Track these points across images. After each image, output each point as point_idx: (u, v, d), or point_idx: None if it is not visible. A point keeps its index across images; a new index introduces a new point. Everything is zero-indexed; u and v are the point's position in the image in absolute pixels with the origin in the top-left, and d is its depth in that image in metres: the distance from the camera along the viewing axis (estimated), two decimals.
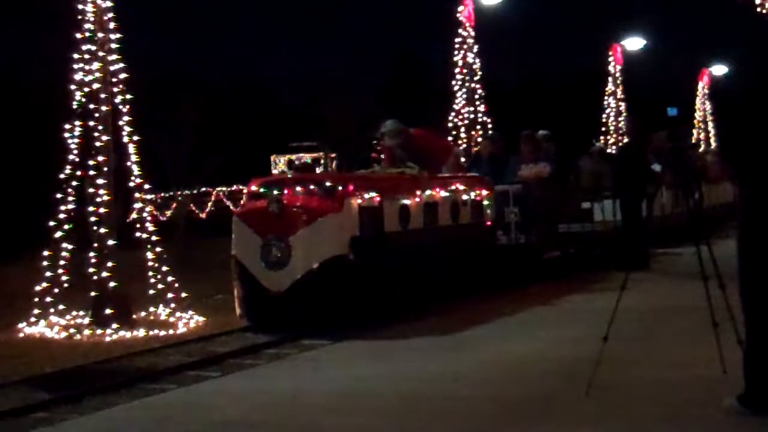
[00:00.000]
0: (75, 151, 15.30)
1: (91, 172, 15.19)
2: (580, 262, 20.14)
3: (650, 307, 12.78)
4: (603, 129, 39.93)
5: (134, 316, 15.21)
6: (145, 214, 15.63)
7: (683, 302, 12.25)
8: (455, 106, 30.29)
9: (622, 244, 18.43)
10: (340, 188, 13.66)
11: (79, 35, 15.32)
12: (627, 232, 18.41)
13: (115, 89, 15.39)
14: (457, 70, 30.20)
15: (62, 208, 15.30)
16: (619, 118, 39.98)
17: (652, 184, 20.00)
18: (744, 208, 7.30)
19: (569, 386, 8.50)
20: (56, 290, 15.25)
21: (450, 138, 29.44)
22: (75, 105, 15.33)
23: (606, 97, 40.56)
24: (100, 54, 15.31)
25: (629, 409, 7.80)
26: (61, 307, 15.26)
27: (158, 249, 15.61)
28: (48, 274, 15.26)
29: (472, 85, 30.35)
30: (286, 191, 13.69)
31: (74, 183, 15.31)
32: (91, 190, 15.18)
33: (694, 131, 49.70)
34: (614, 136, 39.74)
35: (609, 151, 32.72)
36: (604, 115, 40.39)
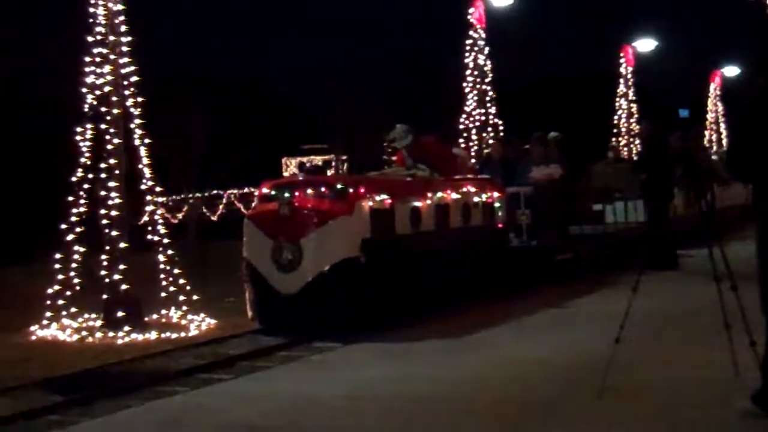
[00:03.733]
0: (86, 154, 15.35)
1: (103, 175, 15.23)
2: (592, 264, 20.11)
3: (662, 309, 12.74)
4: (615, 131, 39.85)
5: (146, 319, 15.24)
6: (156, 217, 15.66)
7: (695, 304, 12.21)
8: (466, 108, 30.27)
9: (653, 245, 18.12)
10: (351, 190, 13.64)
11: (90, 38, 15.36)
12: (655, 234, 18.16)
13: (127, 92, 15.42)
14: (468, 72, 30.17)
15: (74, 210, 15.34)
16: (631, 120, 39.90)
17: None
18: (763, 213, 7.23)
19: (581, 388, 8.48)
20: (68, 293, 15.29)
21: (461, 140, 29.43)
22: (86, 108, 15.37)
23: (617, 99, 40.48)
24: (112, 57, 15.35)
25: (641, 411, 7.78)
26: (73, 309, 15.31)
27: (170, 251, 15.65)
28: (60, 276, 15.29)
29: (483, 86, 30.33)
30: (297, 194, 13.68)
31: (86, 186, 15.35)
32: (102, 192, 15.21)
33: (706, 132, 49.58)
34: (626, 137, 39.66)
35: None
36: (616, 117, 40.32)
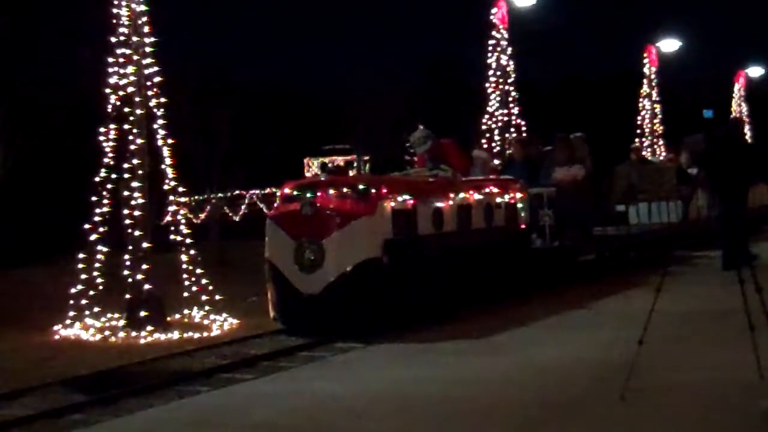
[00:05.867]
0: (110, 155, 15.41)
1: (126, 175, 15.30)
2: (616, 265, 20.03)
3: (686, 311, 12.67)
4: (638, 131, 39.68)
5: (168, 319, 15.28)
6: (179, 217, 15.70)
7: (719, 305, 12.14)
8: (489, 109, 30.17)
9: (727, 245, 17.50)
10: (373, 191, 13.63)
11: (113, 39, 15.42)
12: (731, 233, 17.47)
13: (150, 93, 15.47)
14: (491, 72, 30.09)
15: (97, 210, 15.41)
16: (654, 121, 39.72)
17: (687, 186, 19.70)
18: None
19: (604, 390, 8.45)
20: (91, 293, 15.36)
21: (483, 141, 29.36)
22: (110, 109, 15.43)
23: (641, 99, 40.29)
24: (135, 58, 15.41)
25: (664, 412, 7.75)
26: (96, 309, 15.38)
27: (192, 251, 15.68)
28: (83, 276, 15.37)
29: (506, 87, 30.22)
30: (319, 194, 13.69)
31: (109, 186, 15.41)
32: (125, 193, 15.28)
33: None
34: (649, 138, 39.49)
35: (644, 153, 32.50)
36: (639, 118, 40.14)
